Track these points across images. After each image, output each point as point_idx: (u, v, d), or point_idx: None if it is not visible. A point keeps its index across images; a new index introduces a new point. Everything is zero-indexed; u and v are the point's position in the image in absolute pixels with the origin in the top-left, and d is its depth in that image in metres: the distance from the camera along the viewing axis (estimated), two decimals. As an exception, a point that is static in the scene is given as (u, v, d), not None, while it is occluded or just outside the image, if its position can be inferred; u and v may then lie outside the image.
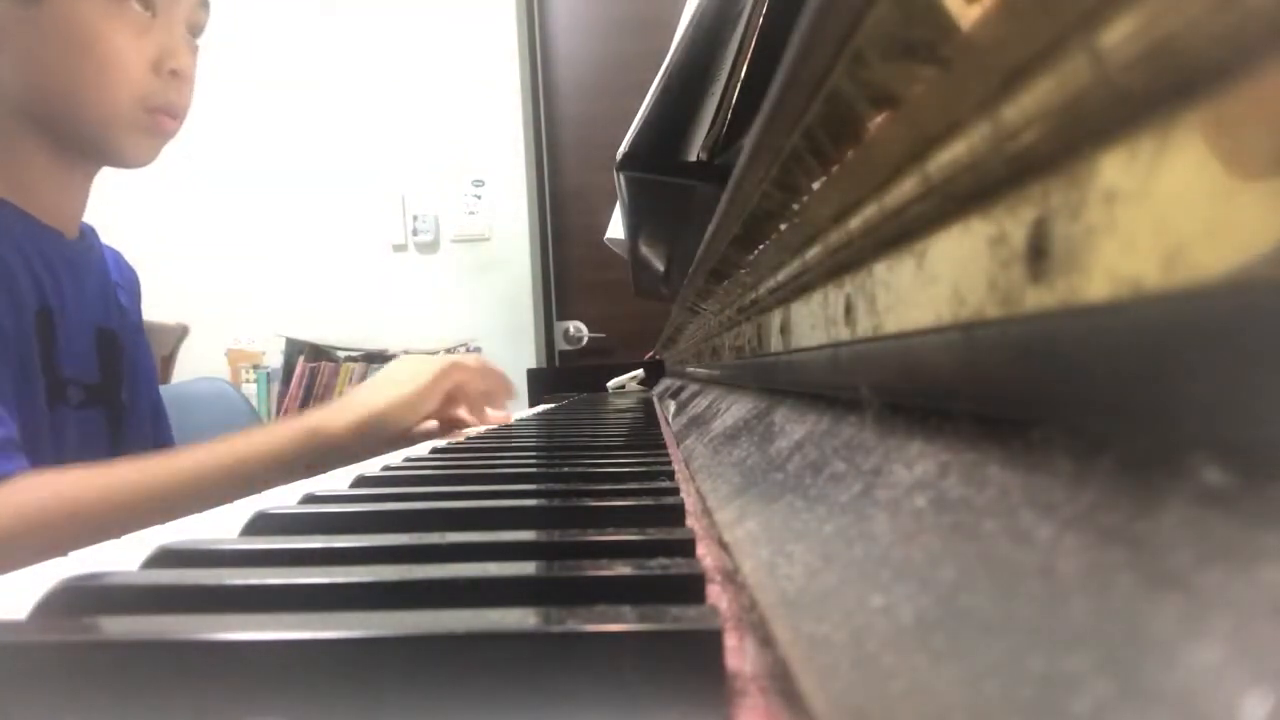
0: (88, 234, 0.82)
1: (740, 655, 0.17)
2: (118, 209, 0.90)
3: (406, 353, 2.36)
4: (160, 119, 0.75)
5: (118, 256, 0.90)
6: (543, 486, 0.40)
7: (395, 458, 0.57)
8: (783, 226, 0.32)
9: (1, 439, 0.61)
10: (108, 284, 0.83)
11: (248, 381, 2.44)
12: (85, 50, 0.70)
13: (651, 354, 1.82)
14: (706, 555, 0.25)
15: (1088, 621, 0.10)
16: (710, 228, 0.46)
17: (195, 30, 0.78)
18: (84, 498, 0.60)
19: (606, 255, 1.36)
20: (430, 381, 0.77)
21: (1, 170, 0.72)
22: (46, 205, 0.75)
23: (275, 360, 2.47)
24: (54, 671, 0.17)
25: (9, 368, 0.66)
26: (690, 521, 0.30)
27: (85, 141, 0.75)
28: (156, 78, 0.73)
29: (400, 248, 2.55)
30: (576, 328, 2.57)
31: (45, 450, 0.70)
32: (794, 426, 0.30)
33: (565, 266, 2.57)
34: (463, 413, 0.84)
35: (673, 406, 0.89)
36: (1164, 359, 0.11)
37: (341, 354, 2.41)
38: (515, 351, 2.46)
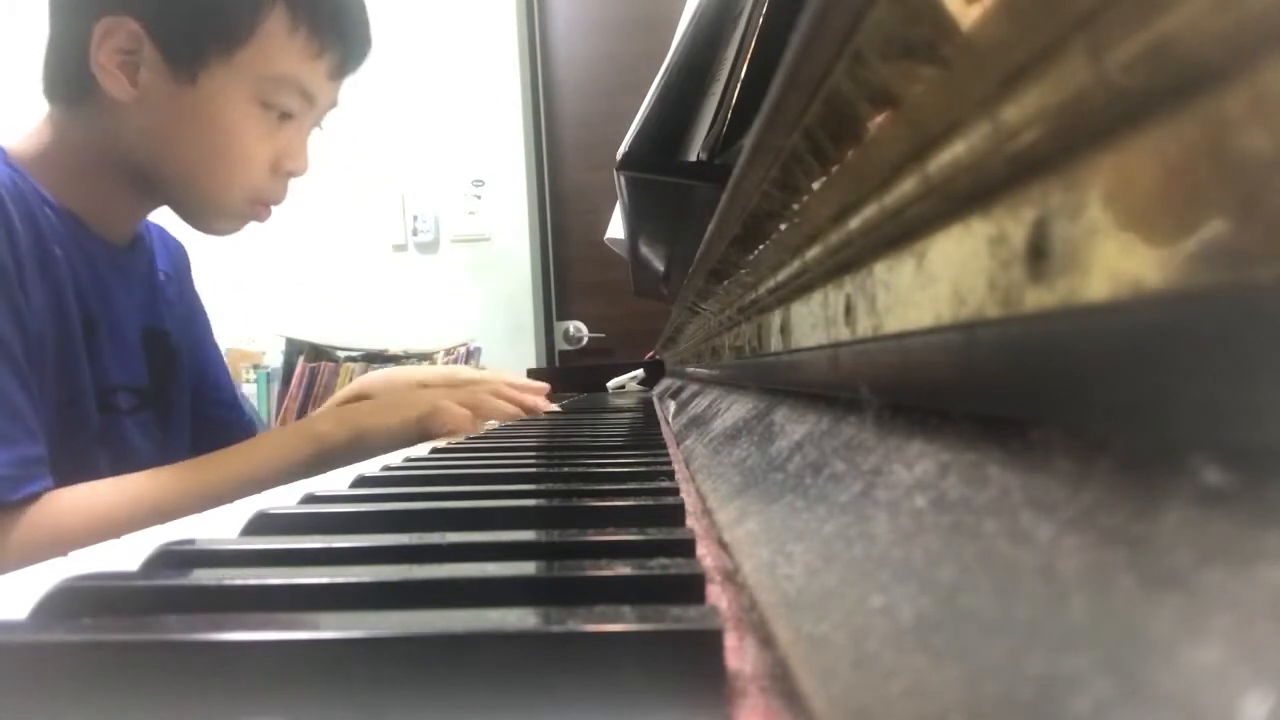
0: (140, 235, 0.82)
1: (740, 655, 0.17)
2: None
3: (406, 353, 2.36)
4: (260, 210, 0.77)
5: (165, 238, 0.90)
6: (543, 486, 0.40)
7: (395, 458, 0.57)
8: (783, 226, 0.32)
9: (30, 458, 0.61)
10: (155, 284, 0.83)
11: (248, 381, 2.44)
12: (218, 141, 0.72)
13: (651, 354, 1.81)
14: (706, 555, 0.25)
15: (1087, 622, 0.10)
16: (710, 228, 0.46)
17: (318, 124, 0.80)
18: (99, 514, 0.61)
19: (606, 255, 1.36)
20: (420, 410, 0.76)
21: (73, 184, 0.72)
22: (106, 220, 0.75)
23: (275, 360, 2.47)
24: (54, 671, 0.17)
25: (47, 385, 0.66)
26: (690, 521, 0.30)
27: (179, 207, 0.76)
28: (272, 176, 0.75)
29: (400, 248, 2.55)
30: (576, 328, 2.56)
31: (100, 460, 0.70)
32: (794, 426, 0.30)
33: (565, 266, 2.57)
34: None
35: (673, 406, 0.89)
36: (1164, 359, 0.11)
37: (341, 354, 2.41)
38: (515, 351, 2.46)
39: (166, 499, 0.64)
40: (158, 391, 0.80)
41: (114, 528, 0.59)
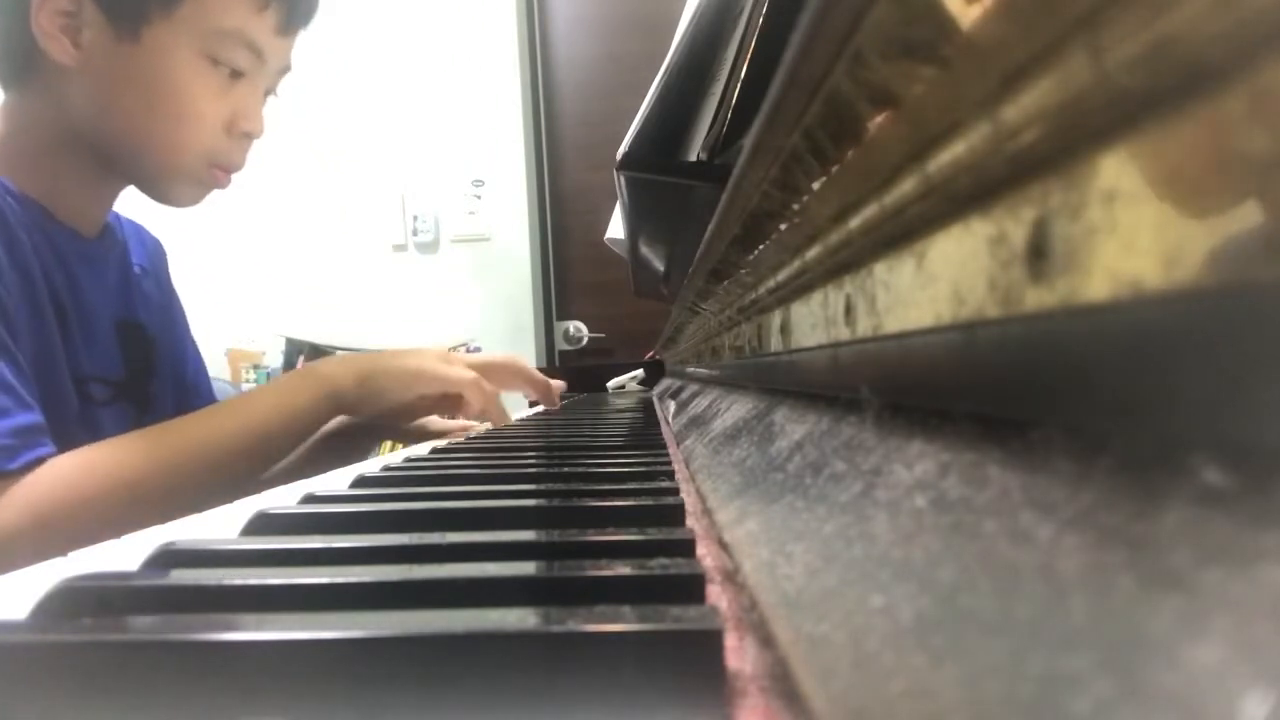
0: (111, 226, 0.82)
1: (740, 655, 0.17)
2: (118, 209, 0.89)
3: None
4: (217, 174, 0.75)
5: (142, 233, 0.89)
6: (543, 486, 0.40)
7: (395, 458, 0.57)
8: (783, 226, 0.32)
9: (25, 426, 0.60)
10: (129, 277, 0.83)
11: (248, 381, 2.44)
12: (166, 100, 0.70)
13: (651, 354, 1.81)
14: (706, 555, 0.25)
15: (1087, 622, 0.10)
16: (710, 228, 0.46)
17: (272, 90, 0.79)
18: (113, 473, 0.61)
19: (606, 255, 1.36)
20: (437, 372, 0.77)
21: (34, 171, 0.71)
22: (73, 208, 0.75)
23: (275, 360, 2.47)
24: (54, 671, 0.17)
25: (32, 364, 0.66)
26: (690, 521, 0.30)
27: (136, 178, 0.75)
28: (227, 137, 0.74)
29: (400, 248, 2.55)
30: (576, 328, 2.57)
31: (78, 446, 0.69)
32: (794, 426, 0.30)
33: (565, 266, 2.57)
34: (432, 419, 0.86)
35: (673, 406, 0.89)
36: (1164, 359, 0.11)
37: (341, 354, 2.41)
38: (515, 351, 2.45)
39: (175, 451, 0.63)
40: (135, 385, 0.79)
41: (128, 487, 0.59)
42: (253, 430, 0.68)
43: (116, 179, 0.77)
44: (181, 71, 0.70)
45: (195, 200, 0.77)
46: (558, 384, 0.97)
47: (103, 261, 0.78)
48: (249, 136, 0.76)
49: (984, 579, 0.12)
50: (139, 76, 0.69)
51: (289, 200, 2.53)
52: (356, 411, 0.76)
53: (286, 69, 0.79)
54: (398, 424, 0.85)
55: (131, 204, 0.89)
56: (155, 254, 0.91)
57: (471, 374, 0.79)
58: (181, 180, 0.75)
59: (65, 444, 0.65)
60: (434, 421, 0.87)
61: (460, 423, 0.88)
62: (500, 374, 0.86)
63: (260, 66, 0.74)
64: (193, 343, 0.93)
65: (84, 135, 0.72)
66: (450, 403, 0.81)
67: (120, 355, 0.78)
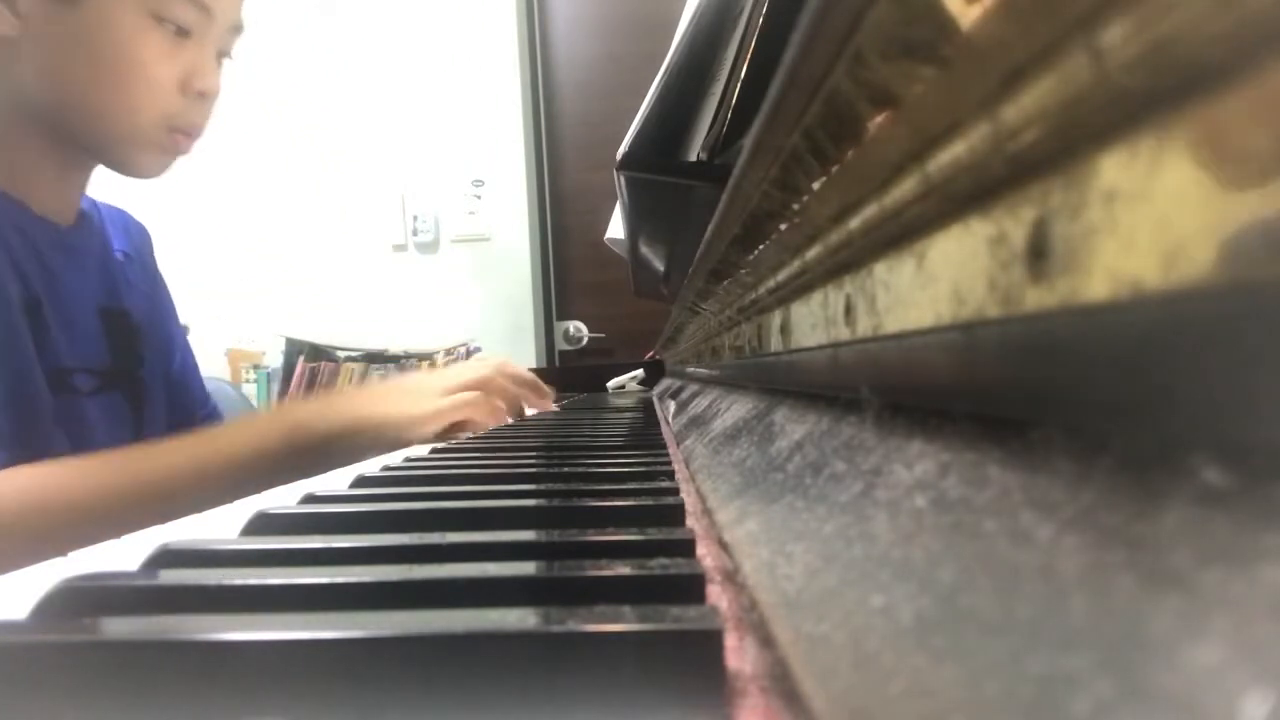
0: (87, 214, 0.80)
1: (740, 655, 0.17)
2: (105, 200, 0.89)
3: (406, 353, 2.36)
4: (178, 138, 0.74)
5: (125, 219, 0.88)
6: (543, 486, 0.40)
7: (395, 458, 0.57)
8: (783, 226, 0.32)
9: None
10: (111, 263, 0.81)
11: (248, 381, 2.44)
12: (113, 63, 0.69)
13: (651, 354, 1.81)
14: (706, 555, 0.25)
15: (1088, 621, 0.10)
16: (710, 228, 0.46)
17: (226, 52, 0.77)
18: (57, 494, 0.59)
19: (606, 255, 1.36)
20: (438, 410, 0.74)
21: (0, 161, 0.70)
22: (42, 195, 0.73)
23: (275, 360, 2.47)
24: (54, 671, 0.17)
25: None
26: (690, 521, 0.30)
27: (97, 149, 0.74)
28: (182, 97, 0.72)
29: (400, 248, 2.55)
30: (576, 328, 2.57)
31: (56, 442, 0.68)
32: (794, 426, 0.30)
33: (565, 266, 2.57)
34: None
35: (673, 406, 0.89)
36: (1164, 359, 0.11)
37: (341, 354, 2.41)
38: (515, 351, 2.46)
39: (110, 487, 0.61)
40: (124, 372, 0.78)
41: (74, 510, 0.58)
42: (214, 470, 0.66)
43: (81, 157, 0.75)
44: (126, 32, 0.68)
45: (160, 169, 0.76)
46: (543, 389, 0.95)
47: (81, 249, 0.77)
48: (204, 97, 0.74)
49: (984, 579, 0.12)
50: (83, 41, 0.68)
51: (289, 200, 2.53)
52: (325, 464, 0.73)
53: (238, 28, 0.77)
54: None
55: (136, 209, 0.89)
56: (139, 239, 0.89)
57: (444, 415, 0.74)
58: (141, 146, 0.73)
59: (41, 443, 0.64)
60: None
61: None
62: (481, 388, 0.81)
63: (208, 23, 0.72)
64: (180, 331, 0.92)
65: (38, 111, 0.70)
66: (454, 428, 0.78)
67: (105, 343, 0.77)
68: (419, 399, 0.74)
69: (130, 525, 0.60)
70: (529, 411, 0.95)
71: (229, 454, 0.67)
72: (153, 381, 0.82)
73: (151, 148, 0.73)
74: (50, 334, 0.70)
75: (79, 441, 0.70)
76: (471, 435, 0.74)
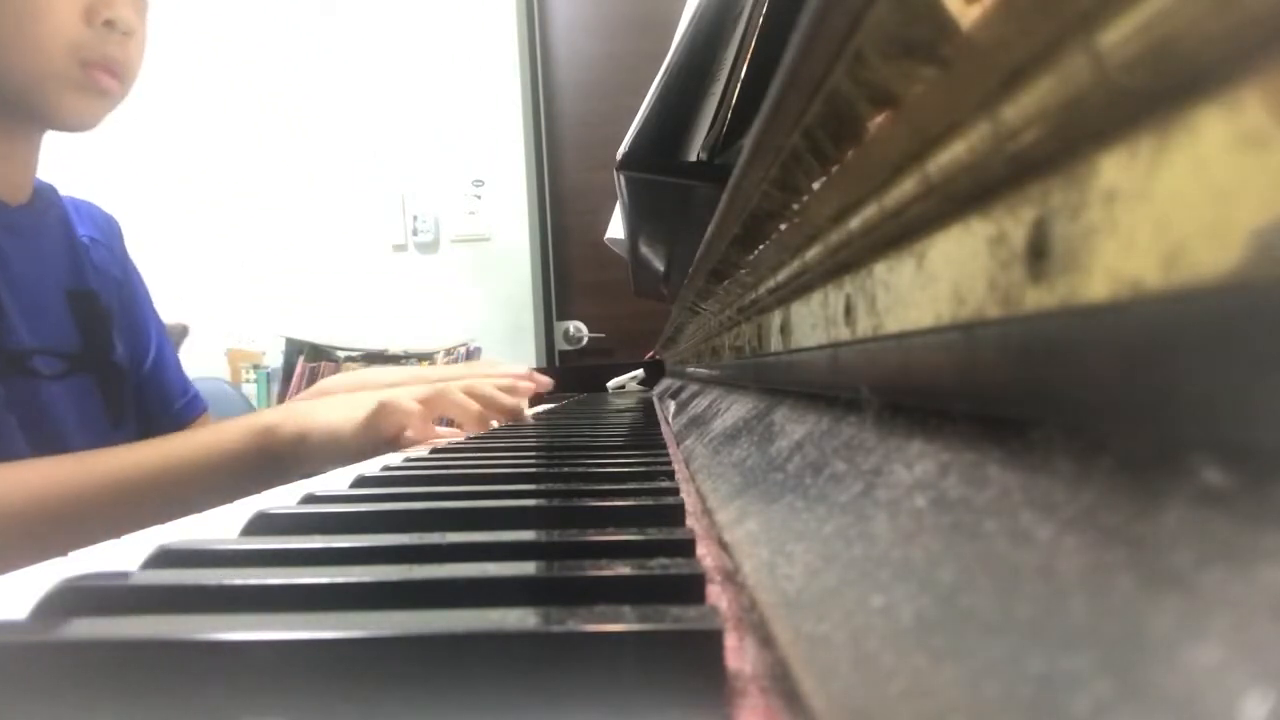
0: (42, 195, 0.77)
1: (740, 655, 0.17)
2: (116, 208, 0.89)
3: (406, 353, 2.36)
4: (97, 75, 0.69)
5: (91, 209, 0.86)
6: (543, 486, 0.40)
7: (395, 458, 0.57)
8: (783, 226, 0.32)
9: None
10: (75, 244, 0.79)
11: (248, 381, 2.44)
12: (7, 2, 0.65)
13: (651, 354, 1.82)
14: (706, 555, 0.25)
15: (1087, 621, 0.10)
16: (710, 228, 0.46)
17: None
18: (16, 491, 0.57)
19: (606, 255, 1.36)
20: (367, 414, 0.70)
21: None
22: None
23: (275, 360, 2.47)
24: (54, 671, 0.17)
25: None
26: (690, 521, 0.30)
27: (17, 100, 0.70)
28: (88, 28, 0.68)
29: (400, 248, 2.55)
30: (576, 328, 2.57)
31: (19, 427, 0.66)
32: (794, 426, 0.30)
33: (565, 266, 2.57)
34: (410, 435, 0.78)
35: (673, 406, 0.89)
36: (1164, 359, 0.11)
37: (341, 354, 2.41)
38: (515, 351, 2.46)
39: (71, 481, 0.59)
40: (95, 356, 0.75)
41: (29, 505, 0.55)
42: (184, 471, 0.64)
43: (12, 121, 0.71)
44: None
45: (90, 115, 0.71)
46: (544, 380, 0.89)
47: (36, 230, 0.74)
48: (113, 27, 0.69)
49: (984, 579, 0.12)
50: None
51: (289, 200, 2.53)
52: (296, 469, 0.69)
53: None
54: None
55: (126, 217, 0.88)
56: (107, 228, 0.86)
57: (410, 410, 0.71)
58: (59, 88, 0.68)
59: None
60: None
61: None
62: (442, 406, 0.77)
63: None
64: (157, 321, 0.89)
65: None
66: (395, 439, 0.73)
67: (73, 326, 0.74)
68: (354, 406, 0.71)
69: (96, 527, 0.58)
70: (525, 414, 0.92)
71: (198, 456, 0.65)
72: (127, 367, 0.79)
73: (69, 86, 0.69)
74: (7, 317, 0.67)
75: (36, 427, 0.68)
76: (470, 436, 0.74)
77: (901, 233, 0.21)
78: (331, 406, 0.72)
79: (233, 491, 0.67)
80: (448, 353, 2.32)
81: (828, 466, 0.23)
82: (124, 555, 0.26)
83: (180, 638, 0.17)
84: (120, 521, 0.57)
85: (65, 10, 0.67)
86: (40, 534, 0.56)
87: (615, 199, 0.86)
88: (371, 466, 0.50)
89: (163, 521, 0.65)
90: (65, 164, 0.79)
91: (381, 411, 0.70)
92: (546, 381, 0.90)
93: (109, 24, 0.69)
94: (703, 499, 0.34)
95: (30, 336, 0.70)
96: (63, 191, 0.82)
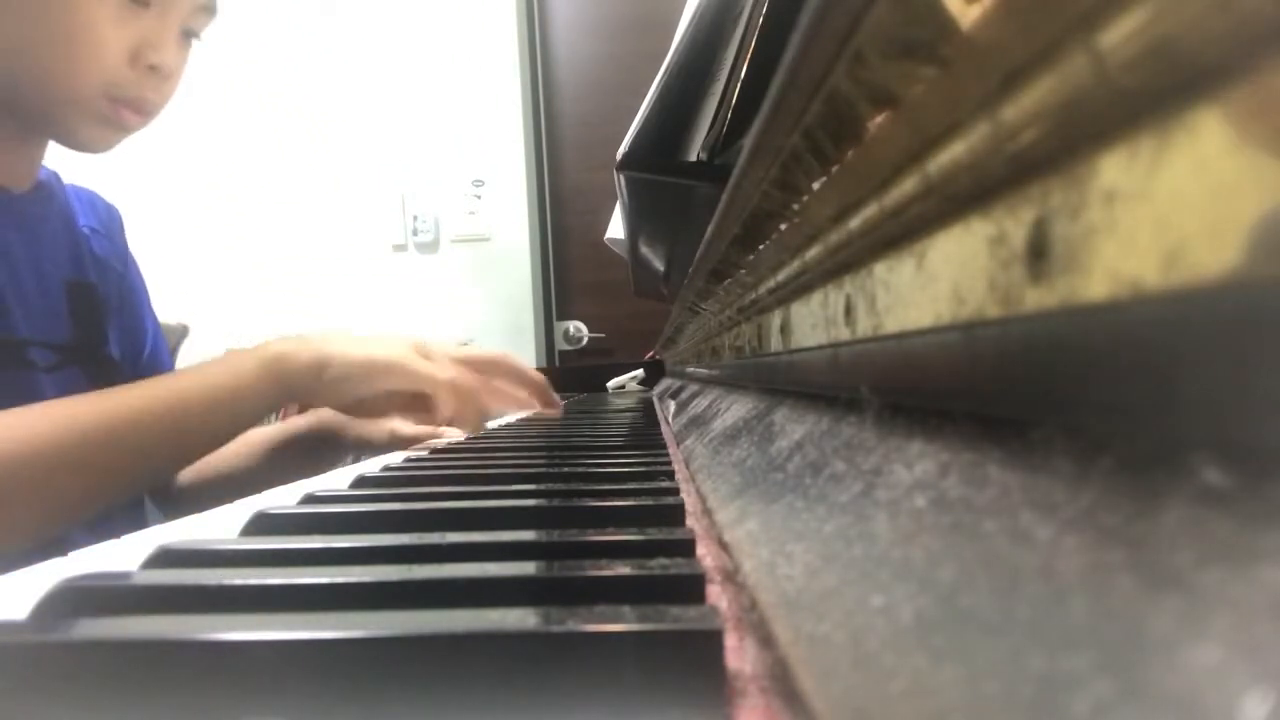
0: (46, 184, 0.77)
1: (740, 655, 0.17)
2: (80, 184, 0.88)
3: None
4: (122, 111, 0.70)
5: (93, 198, 0.85)
6: (543, 486, 0.40)
7: (395, 458, 0.57)
8: (783, 226, 0.32)
9: None
10: (75, 234, 0.78)
11: (248, 381, 2.44)
12: (59, 25, 0.65)
13: (651, 354, 1.82)
14: (706, 555, 0.25)
15: (1087, 622, 0.10)
16: (710, 228, 0.46)
17: (193, 32, 0.74)
18: (26, 436, 0.54)
19: (606, 255, 1.36)
20: (401, 358, 0.69)
21: None
22: None
23: (275, 360, 2.47)
24: (54, 671, 0.17)
25: None
26: (690, 521, 0.30)
27: (38, 116, 0.70)
28: (130, 69, 0.68)
29: (400, 248, 2.55)
30: (576, 328, 2.56)
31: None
32: (794, 426, 0.30)
33: (565, 266, 2.57)
34: (400, 425, 0.77)
35: (673, 406, 0.89)
36: (1164, 359, 0.11)
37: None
38: (515, 351, 2.44)
39: (97, 417, 0.57)
40: (86, 348, 0.74)
41: (30, 453, 0.52)
42: (188, 403, 0.61)
43: (24, 129, 0.72)
44: None
45: (105, 143, 0.72)
46: (557, 404, 0.87)
47: (38, 218, 0.74)
48: (156, 72, 0.70)
49: (984, 579, 0.12)
50: (31, 2, 0.64)
51: (289, 200, 2.53)
52: (310, 401, 0.69)
53: (209, 8, 0.73)
54: (360, 429, 0.78)
55: (126, 217, 0.88)
56: (108, 218, 0.86)
57: (448, 372, 0.69)
58: (82, 115, 0.69)
59: None
60: (400, 428, 0.78)
61: (429, 429, 0.77)
62: (487, 370, 0.75)
63: None
64: (152, 316, 0.88)
65: None
66: (421, 404, 0.71)
67: (69, 317, 0.73)
68: (388, 347, 0.70)
69: (106, 470, 0.56)
70: (521, 414, 0.91)
71: (206, 388, 0.63)
72: (120, 360, 0.78)
73: (91, 117, 0.69)
74: (6, 305, 0.67)
75: None
76: (470, 436, 0.74)
77: (901, 233, 0.21)
78: (356, 342, 0.70)
79: (249, 424, 0.66)
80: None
81: (828, 466, 0.23)
82: (124, 555, 0.26)
83: (180, 638, 0.17)
84: (140, 464, 0.54)
85: (113, 46, 0.67)
86: (58, 474, 0.53)
87: (615, 199, 0.86)
88: (372, 466, 0.50)
89: (180, 460, 0.62)
90: (65, 164, 0.79)
91: (401, 365, 0.68)
92: (558, 407, 0.89)
93: (152, 68, 0.69)
94: (703, 499, 0.34)
95: (27, 328, 0.69)
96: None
